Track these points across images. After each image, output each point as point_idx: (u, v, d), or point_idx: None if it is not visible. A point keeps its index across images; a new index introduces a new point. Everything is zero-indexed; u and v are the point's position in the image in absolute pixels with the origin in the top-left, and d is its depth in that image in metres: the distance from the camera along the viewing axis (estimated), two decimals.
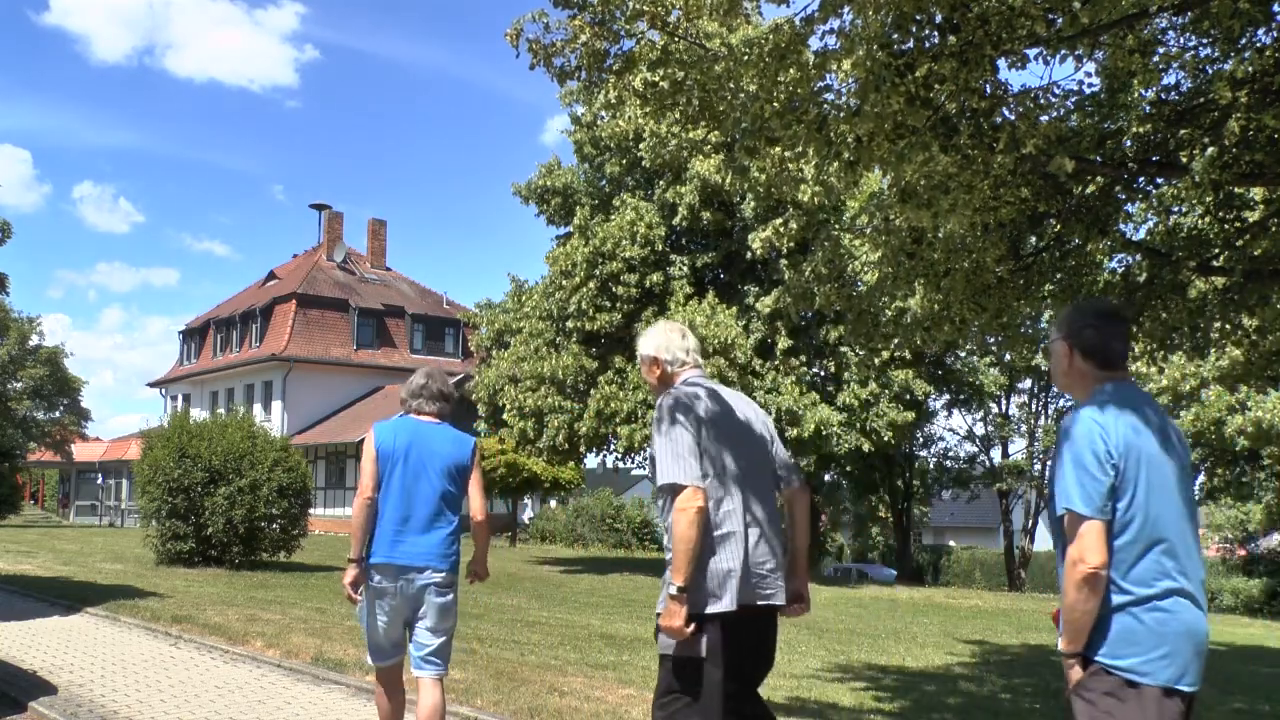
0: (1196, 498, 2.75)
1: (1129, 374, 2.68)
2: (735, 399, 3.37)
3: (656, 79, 5.38)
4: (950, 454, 33.62)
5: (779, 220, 7.33)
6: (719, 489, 3.13)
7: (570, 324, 18.84)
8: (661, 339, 3.39)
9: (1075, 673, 2.54)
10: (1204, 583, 2.55)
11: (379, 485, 4.07)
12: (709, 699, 3.05)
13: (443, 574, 4.08)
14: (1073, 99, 6.08)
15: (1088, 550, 2.43)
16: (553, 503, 36.87)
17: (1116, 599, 2.47)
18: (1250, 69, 5.60)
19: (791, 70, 4.94)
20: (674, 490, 3.04)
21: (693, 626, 3.02)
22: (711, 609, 3.04)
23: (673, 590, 3.00)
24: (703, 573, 3.06)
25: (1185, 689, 2.43)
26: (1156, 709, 2.39)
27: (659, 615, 3.10)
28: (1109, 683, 2.46)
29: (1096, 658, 2.49)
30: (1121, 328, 2.71)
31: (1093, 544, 2.42)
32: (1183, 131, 6.14)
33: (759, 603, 3.14)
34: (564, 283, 18.75)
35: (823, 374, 19.20)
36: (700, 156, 16.71)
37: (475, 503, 4.24)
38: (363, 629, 4.25)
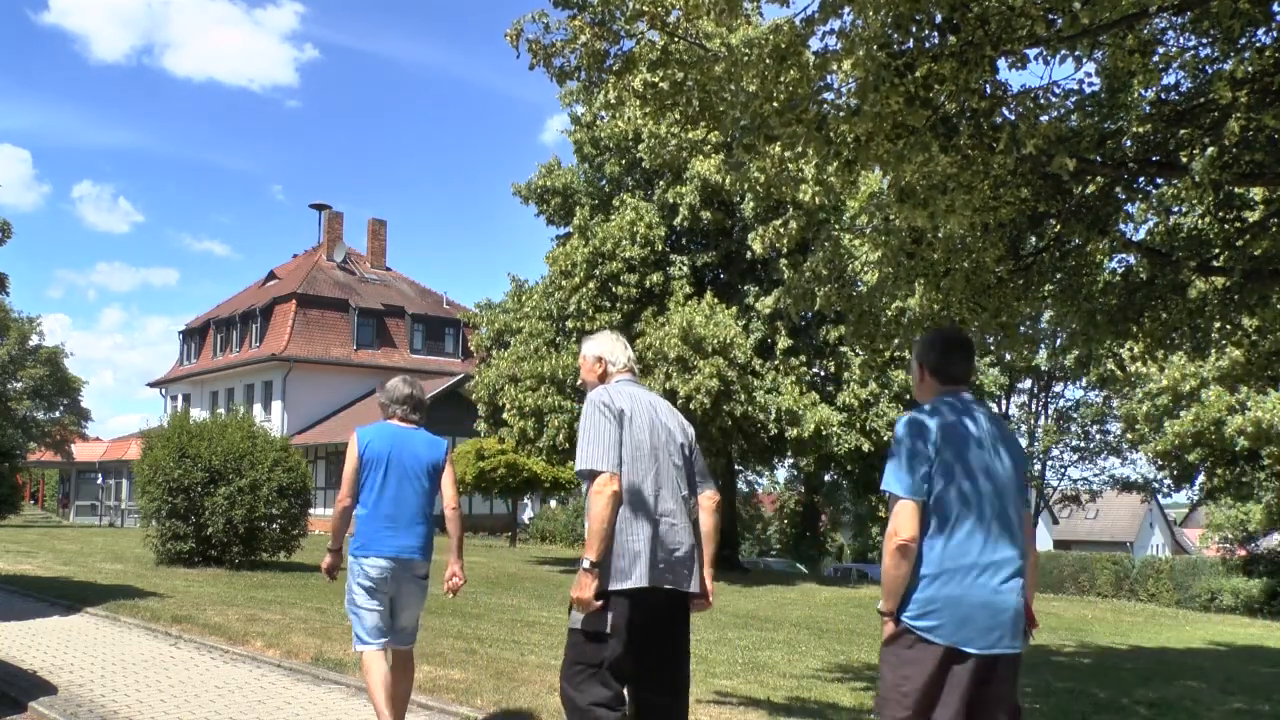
0: (1033, 496, 3.20)
1: (968, 388, 3.21)
2: (659, 405, 3.73)
3: (656, 79, 5.38)
4: None
5: (779, 220, 7.33)
6: (634, 479, 3.46)
7: (570, 324, 18.84)
8: (607, 345, 3.80)
9: (889, 628, 3.02)
10: (1018, 563, 2.99)
11: (359, 487, 4.55)
12: (611, 671, 3.38)
13: (425, 564, 4.63)
14: (1073, 99, 6.08)
15: (901, 525, 2.92)
16: (553, 503, 36.88)
17: (925, 569, 2.94)
18: (1250, 69, 5.60)
19: (791, 71, 4.94)
20: (592, 475, 3.39)
21: (600, 602, 3.35)
22: (619, 586, 3.37)
23: (585, 565, 3.33)
24: (613, 552, 3.39)
25: (973, 651, 2.90)
26: (940, 665, 2.88)
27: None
28: (909, 639, 2.96)
29: (903, 618, 2.97)
30: (961, 353, 3.21)
31: (905, 521, 2.91)
32: (1183, 131, 6.14)
33: (666, 586, 3.46)
34: (564, 283, 18.75)
35: (823, 374, 19.20)
36: (700, 157, 16.71)
37: (449, 495, 4.69)
38: (353, 617, 4.61)
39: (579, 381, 3.90)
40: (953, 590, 2.92)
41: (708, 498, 3.71)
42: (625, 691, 3.45)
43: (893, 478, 3.00)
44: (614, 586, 3.38)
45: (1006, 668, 2.96)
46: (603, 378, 3.74)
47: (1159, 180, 6.76)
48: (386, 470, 4.54)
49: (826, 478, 37.73)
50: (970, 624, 2.90)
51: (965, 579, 2.92)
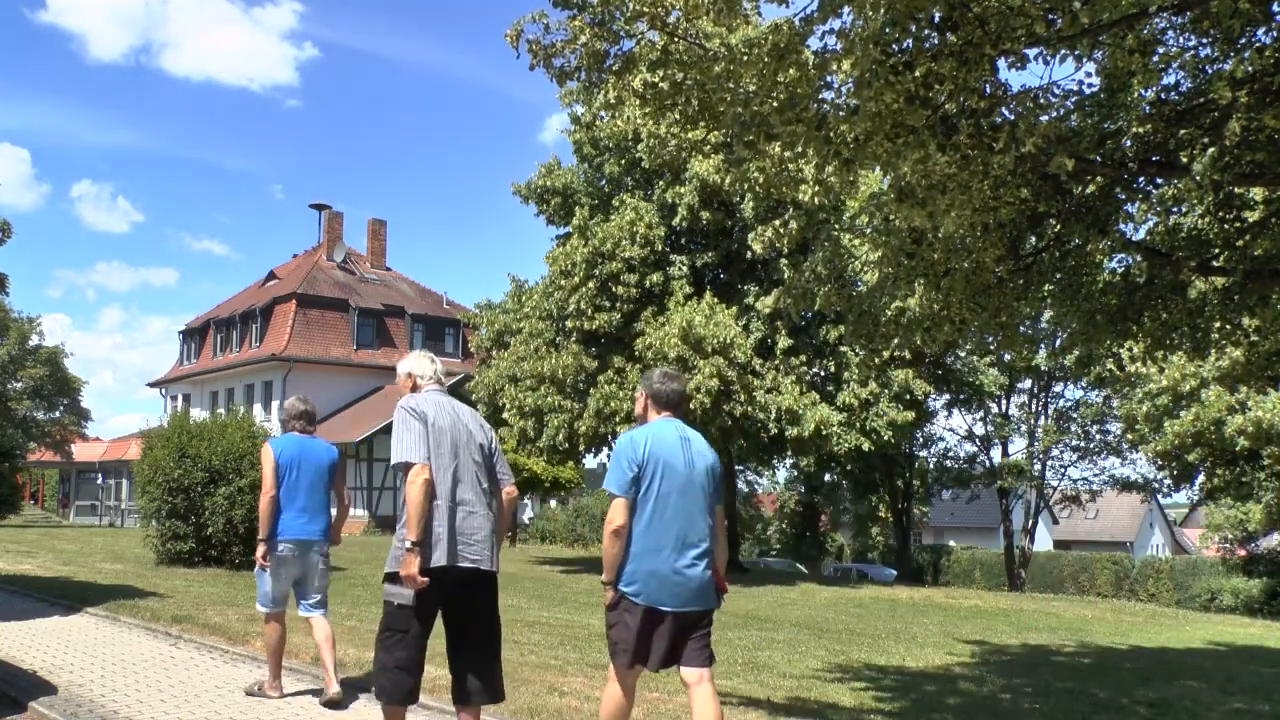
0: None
1: (678, 414, 4.31)
2: (462, 410, 4.38)
3: (656, 79, 5.38)
4: (950, 454, 33.60)
5: (779, 220, 7.33)
6: (437, 469, 4.09)
7: (570, 324, 18.83)
8: (416, 363, 4.50)
9: (609, 595, 4.09)
10: (705, 546, 4.08)
11: (279, 486, 5.69)
12: (415, 636, 4.07)
13: (326, 545, 5.93)
14: (1073, 99, 6.07)
15: (615, 516, 4.02)
16: (553, 503, 36.87)
17: (633, 549, 4.01)
18: (1250, 69, 5.59)
19: (791, 70, 4.94)
20: (406, 466, 4.03)
21: (426, 579, 3.97)
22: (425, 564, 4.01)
23: (407, 545, 3.96)
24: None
25: (668, 610, 3.98)
26: (644, 619, 3.97)
27: (388, 570, 4.12)
28: (623, 602, 4.03)
29: (619, 586, 4.04)
30: (673, 384, 4.33)
31: (618, 512, 4.02)
32: (1183, 131, 6.13)
33: (463, 564, 4.08)
34: (563, 283, 18.74)
35: (823, 374, 19.18)
36: (699, 157, 16.71)
37: (342, 490, 6.11)
38: (261, 585, 5.85)
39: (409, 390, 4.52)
40: (651, 566, 3.99)
41: (505, 492, 4.41)
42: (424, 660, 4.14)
43: (611, 479, 4.08)
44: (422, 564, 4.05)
45: (699, 619, 4.09)
46: (414, 389, 4.41)
47: (1159, 180, 6.76)
48: (298, 472, 5.73)
49: (826, 478, 37.72)
50: (664, 590, 3.99)
51: (660, 557, 4.00)
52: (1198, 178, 5.84)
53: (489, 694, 4.24)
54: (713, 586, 4.12)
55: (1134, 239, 7.42)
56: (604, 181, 20.30)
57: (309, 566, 5.84)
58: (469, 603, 4.19)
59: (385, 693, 4.12)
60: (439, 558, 3.99)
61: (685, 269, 19.02)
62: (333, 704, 5.57)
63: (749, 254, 17.34)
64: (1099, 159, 6.17)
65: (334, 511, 5.97)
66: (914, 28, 4.71)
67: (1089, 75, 6.12)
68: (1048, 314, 8.08)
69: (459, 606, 4.18)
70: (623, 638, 4.03)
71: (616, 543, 4.02)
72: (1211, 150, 5.86)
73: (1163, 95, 6.26)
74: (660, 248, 18.69)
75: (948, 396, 29.80)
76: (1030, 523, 33.56)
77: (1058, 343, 20.66)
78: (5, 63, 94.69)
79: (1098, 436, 31.06)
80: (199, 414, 21.22)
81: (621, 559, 4.03)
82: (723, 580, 4.24)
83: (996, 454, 32.82)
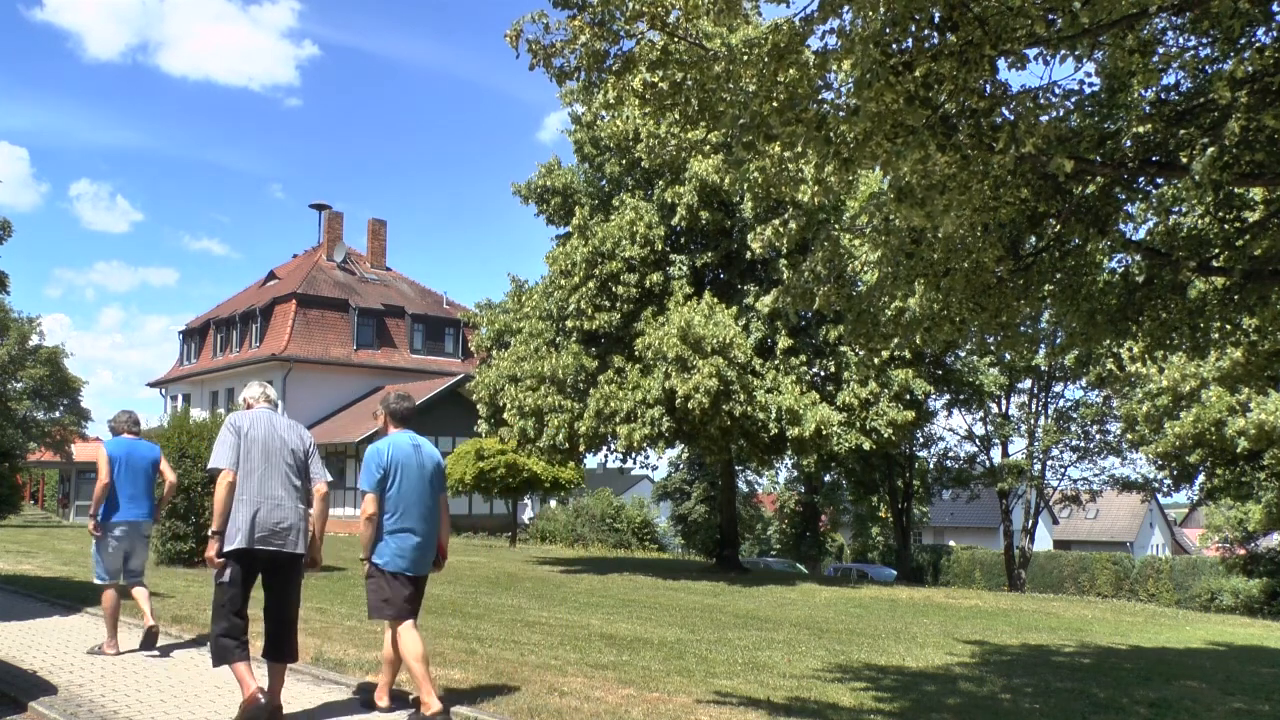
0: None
1: (410, 426, 5.66)
2: (279, 422, 5.48)
3: (656, 79, 5.38)
4: (950, 454, 33.57)
5: (778, 220, 7.32)
6: (247, 470, 5.22)
7: (570, 324, 18.81)
8: (249, 390, 5.71)
9: (365, 568, 5.44)
10: (429, 526, 5.51)
11: (113, 477, 7.20)
12: (232, 601, 5.15)
13: (150, 525, 7.46)
14: (1072, 99, 6.07)
15: (367, 507, 5.37)
16: (553, 503, 36.86)
17: (385, 531, 5.38)
18: (1250, 69, 5.59)
19: (791, 70, 4.94)
20: (216, 471, 5.19)
21: (222, 560, 5.16)
22: (228, 548, 5.14)
23: (210, 533, 5.17)
24: (231, 525, 5.15)
25: (409, 574, 5.41)
26: (393, 582, 5.37)
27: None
28: (376, 571, 5.40)
29: (373, 560, 5.40)
30: (406, 404, 5.69)
31: (370, 505, 5.37)
32: (1183, 131, 6.13)
33: (264, 548, 5.16)
34: (563, 282, 18.73)
35: (823, 374, 19.16)
36: (699, 157, 16.67)
37: (170, 477, 7.80)
38: (97, 561, 7.30)
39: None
40: (398, 543, 5.39)
41: (316, 489, 5.49)
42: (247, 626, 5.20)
43: (363, 480, 5.40)
44: (226, 549, 5.14)
45: (424, 580, 5.57)
46: (248, 408, 5.58)
47: (1159, 180, 6.76)
48: (127, 466, 7.28)
49: (826, 478, 37.71)
50: (404, 560, 5.39)
51: (404, 536, 5.39)
52: (1197, 178, 5.83)
53: (287, 655, 5.37)
54: (434, 556, 5.62)
55: (1134, 239, 7.42)
56: (604, 181, 20.29)
57: (136, 543, 7.36)
58: (278, 580, 5.32)
59: (217, 655, 5.20)
60: (239, 542, 5.11)
61: (685, 269, 19.01)
62: (150, 639, 7.22)
63: (748, 254, 17.32)
64: (1099, 159, 6.17)
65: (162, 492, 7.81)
66: (914, 28, 4.71)
67: (1089, 75, 6.12)
68: (1047, 314, 8.07)
69: (271, 584, 5.32)
70: (384, 599, 5.37)
71: (370, 527, 5.37)
72: (1211, 150, 5.86)
73: (1163, 95, 6.26)
74: (660, 247, 18.68)
75: (948, 396, 29.79)
76: (1030, 523, 33.54)
77: (1057, 342, 20.64)
78: (2, 61, 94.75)
79: (1098, 436, 31.05)
80: (199, 414, 21.22)
81: (375, 539, 5.38)
82: (444, 549, 5.74)
83: (996, 454, 32.81)
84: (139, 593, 7.37)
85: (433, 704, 5.18)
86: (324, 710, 5.63)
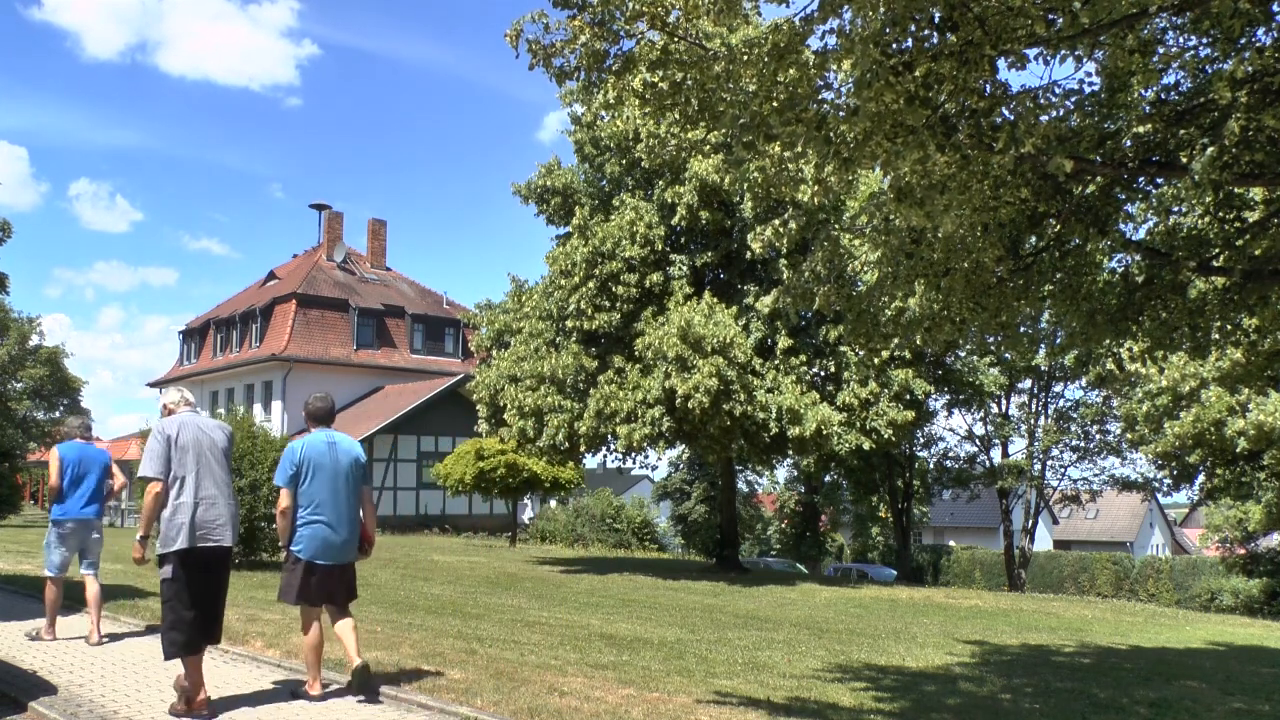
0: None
1: (328, 424, 6.12)
2: (205, 424, 5.83)
3: (656, 79, 5.38)
4: (950, 454, 33.56)
5: (778, 220, 7.32)
6: (180, 474, 5.57)
7: (570, 324, 18.81)
8: (168, 395, 6.01)
9: (284, 555, 5.96)
10: (343, 518, 5.93)
11: (63, 478, 7.72)
12: (178, 600, 5.51)
13: (100, 522, 7.99)
14: (1072, 99, 6.07)
15: (282, 501, 5.84)
16: (553, 503, 36.84)
17: (299, 523, 5.84)
18: (1250, 69, 5.59)
19: (791, 70, 4.94)
20: (146, 479, 5.53)
21: (148, 559, 5.80)
22: (170, 549, 5.50)
23: (137, 538, 5.81)
24: (168, 527, 5.51)
25: (320, 563, 5.85)
26: (306, 570, 5.82)
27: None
28: (293, 559, 5.85)
29: (290, 548, 5.87)
30: (322, 404, 6.13)
31: (284, 499, 5.84)
32: (1183, 131, 6.13)
33: (203, 544, 5.56)
34: (563, 282, 18.72)
35: (823, 374, 19.15)
36: (699, 156, 16.65)
37: (119, 479, 8.22)
38: (49, 555, 7.84)
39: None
40: (311, 534, 5.83)
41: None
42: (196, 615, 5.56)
43: (279, 475, 5.87)
44: (169, 549, 5.49)
45: (345, 570, 6.00)
46: (170, 414, 5.86)
47: (1159, 180, 6.76)
48: (77, 469, 7.80)
49: (826, 478, 37.68)
50: (318, 549, 5.82)
51: (316, 528, 5.83)
52: (1197, 178, 5.83)
53: (213, 638, 5.80)
54: (356, 546, 6.03)
55: (1134, 239, 7.42)
56: (604, 181, 20.28)
57: (88, 539, 7.93)
58: (212, 572, 5.70)
59: (168, 649, 5.52)
60: (182, 543, 5.47)
61: (685, 269, 19.01)
62: (100, 642, 7.66)
63: (748, 254, 17.31)
64: (1099, 159, 6.17)
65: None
66: (914, 28, 4.70)
67: (1089, 75, 6.11)
68: (1047, 314, 8.07)
69: (206, 575, 5.69)
70: (292, 584, 5.85)
71: (284, 520, 5.86)
72: (1211, 150, 5.86)
73: (1163, 95, 6.26)
74: (660, 247, 18.68)
75: (948, 396, 29.78)
76: (1030, 523, 33.54)
77: (1057, 342, 20.64)
78: (0, 60, 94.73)
79: (1098, 436, 31.04)
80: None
81: (291, 530, 5.84)
82: (370, 537, 6.17)
83: (996, 454, 32.81)
84: (90, 586, 7.86)
85: (316, 688, 5.86)
86: (324, 710, 5.63)
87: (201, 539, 5.52)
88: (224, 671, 6.68)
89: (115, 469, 8.20)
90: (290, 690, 6.03)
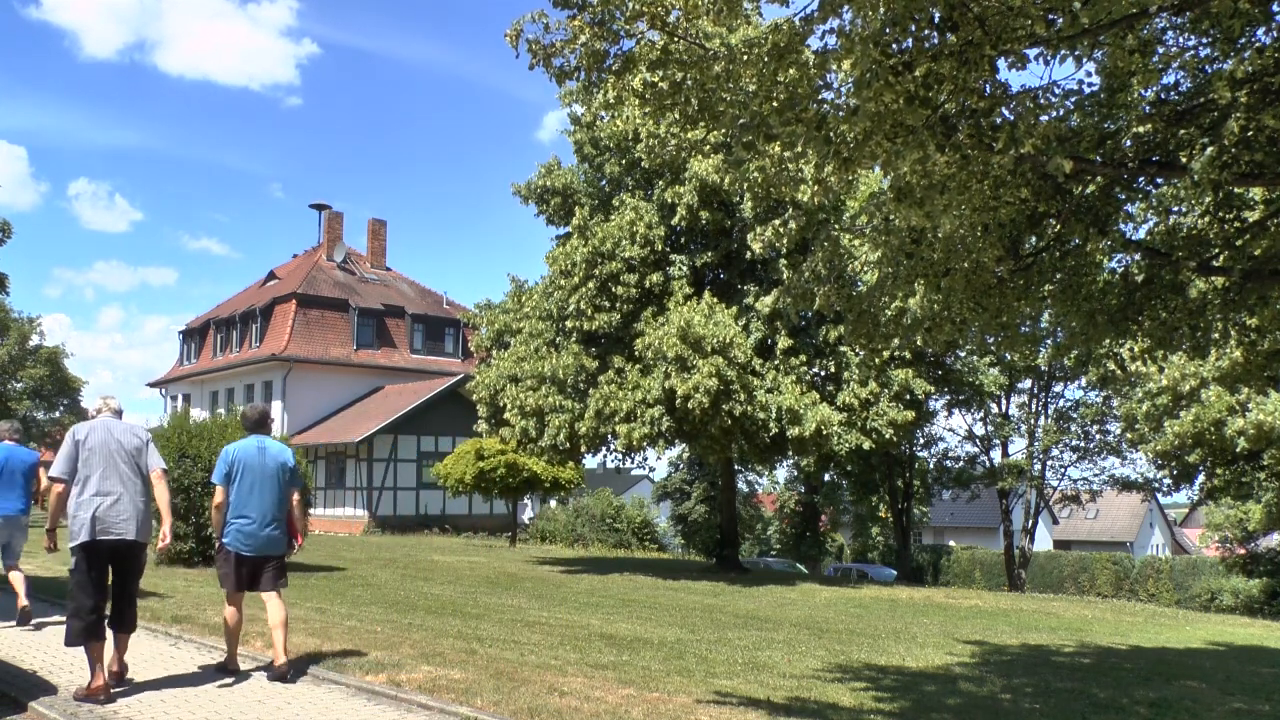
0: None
1: (261, 430, 6.82)
2: (115, 427, 6.24)
3: (656, 80, 5.37)
4: (950, 454, 33.56)
5: (778, 220, 7.32)
6: (86, 474, 6.02)
7: (570, 324, 18.80)
8: (94, 402, 6.52)
9: (218, 545, 6.62)
10: (274, 515, 6.62)
11: None
12: (80, 590, 5.90)
13: (25, 519, 8.80)
14: (1072, 99, 6.07)
15: (218, 497, 6.52)
16: (553, 503, 36.85)
17: (229, 517, 6.53)
18: (1250, 69, 5.59)
19: (791, 70, 4.94)
20: (53, 479, 6.07)
21: (56, 549, 6.57)
22: (74, 542, 5.93)
23: (45, 529, 6.37)
24: (73, 522, 5.95)
25: (247, 554, 6.54)
26: (237, 561, 6.51)
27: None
28: (225, 551, 6.56)
29: (221, 539, 6.56)
30: (254, 413, 6.88)
31: (217, 495, 6.53)
32: (1183, 131, 6.13)
33: (104, 538, 5.96)
34: (563, 283, 18.72)
35: (823, 374, 19.14)
36: (699, 156, 16.64)
37: (44, 482, 7.67)
38: None
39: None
40: (238, 528, 6.51)
41: (154, 475, 6.26)
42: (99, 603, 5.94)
43: (215, 474, 6.57)
44: (74, 543, 5.93)
45: (270, 561, 6.63)
46: (92, 418, 6.36)
47: (1159, 180, 6.76)
48: (5, 468, 8.60)
49: (826, 478, 37.68)
50: (242, 542, 6.52)
51: (244, 523, 6.50)
52: (1197, 178, 5.83)
53: (128, 625, 6.20)
54: (283, 541, 6.71)
55: (1134, 239, 7.41)
56: (604, 181, 20.27)
57: (14, 533, 8.73)
58: (121, 563, 6.12)
59: (70, 636, 5.87)
60: (84, 536, 5.91)
61: (685, 269, 19.00)
62: (25, 617, 8.42)
63: (748, 254, 17.31)
64: (1099, 159, 6.17)
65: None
66: (914, 28, 4.70)
67: (1089, 75, 6.11)
68: (1047, 314, 8.07)
69: (116, 566, 6.10)
70: (224, 573, 6.57)
71: (218, 515, 6.54)
72: (1211, 150, 5.86)
73: (1163, 95, 6.26)
74: (660, 247, 18.67)
75: (948, 396, 29.77)
76: (1030, 523, 33.53)
77: (1057, 342, 20.63)
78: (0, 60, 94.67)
79: (1098, 436, 31.03)
80: (199, 414, 21.20)
81: (223, 523, 6.52)
82: (297, 534, 6.91)
83: (996, 454, 32.80)
84: (15, 576, 8.66)
85: (231, 665, 6.61)
86: (324, 710, 5.63)
87: (103, 532, 5.94)
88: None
89: (41, 471, 8.62)
90: (218, 665, 6.73)
